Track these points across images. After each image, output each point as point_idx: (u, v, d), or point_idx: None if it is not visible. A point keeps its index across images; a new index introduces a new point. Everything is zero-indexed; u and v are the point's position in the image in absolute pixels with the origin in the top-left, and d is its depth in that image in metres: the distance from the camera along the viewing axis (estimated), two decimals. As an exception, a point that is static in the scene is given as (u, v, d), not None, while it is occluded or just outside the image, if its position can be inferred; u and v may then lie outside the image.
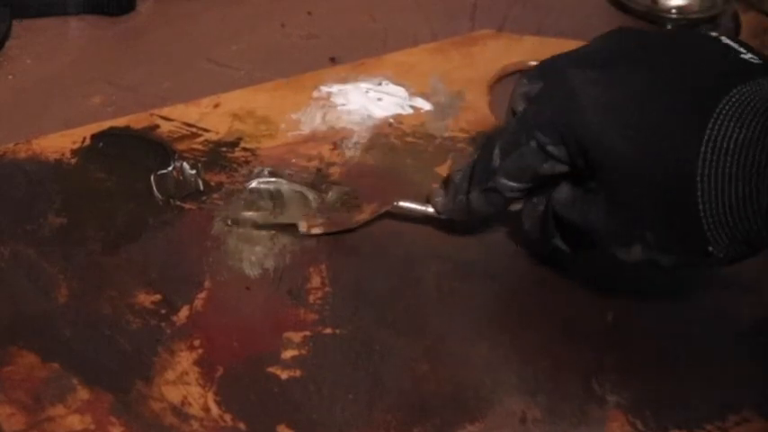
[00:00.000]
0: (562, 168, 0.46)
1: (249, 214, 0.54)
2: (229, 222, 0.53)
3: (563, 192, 0.47)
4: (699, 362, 0.48)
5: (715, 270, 0.49)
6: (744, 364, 0.48)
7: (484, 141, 0.51)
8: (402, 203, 0.53)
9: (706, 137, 0.40)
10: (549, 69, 0.48)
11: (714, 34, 0.46)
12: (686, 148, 0.41)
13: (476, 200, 0.50)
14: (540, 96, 0.47)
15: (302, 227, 0.53)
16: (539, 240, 0.50)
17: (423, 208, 0.53)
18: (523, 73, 0.50)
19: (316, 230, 0.53)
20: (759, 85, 0.41)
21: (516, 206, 0.51)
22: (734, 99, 0.41)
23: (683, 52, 0.45)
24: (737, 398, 0.46)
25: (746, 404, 0.46)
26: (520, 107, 0.49)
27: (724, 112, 0.41)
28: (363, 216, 0.53)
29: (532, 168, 0.47)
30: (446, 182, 0.52)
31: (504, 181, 0.48)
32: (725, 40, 0.45)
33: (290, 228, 0.53)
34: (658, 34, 0.48)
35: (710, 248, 0.42)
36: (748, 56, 0.43)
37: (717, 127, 0.40)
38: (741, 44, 0.44)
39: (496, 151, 0.48)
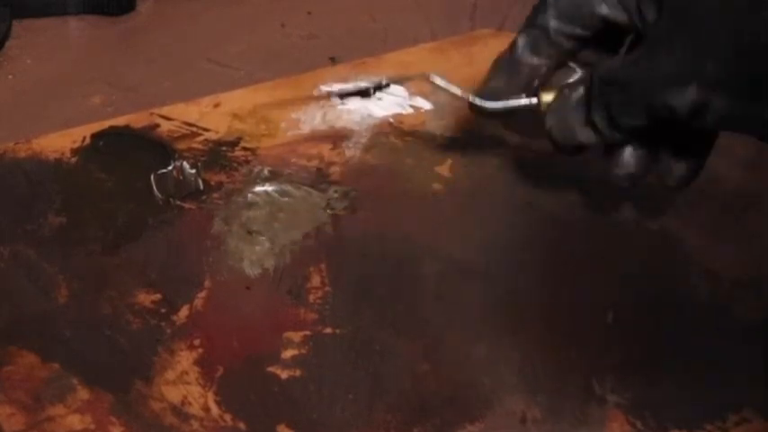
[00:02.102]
0: (618, 15, 0.44)
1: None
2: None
3: (607, 59, 0.44)
4: (699, 362, 0.48)
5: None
6: (744, 364, 0.48)
7: None
8: (437, 78, 0.49)
9: None
10: None
11: None
12: None
13: (521, 44, 0.47)
14: None
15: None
16: (570, 141, 0.46)
17: (455, 89, 0.49)
18: None
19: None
20: None
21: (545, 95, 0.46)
22: None
23: None
24: (737, 398, 0.46)
25: (746, 404, 0.46)
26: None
27: None
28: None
29: (589, 8, 0.44)
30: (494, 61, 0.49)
31: (553, 19, 0.45)
32: None
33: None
34: None
35: None
36: None
37: None
38: None
39: None
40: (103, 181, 0.56)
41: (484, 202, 0.55)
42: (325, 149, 0.59)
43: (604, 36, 0.46)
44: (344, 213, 0.55)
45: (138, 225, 0.54)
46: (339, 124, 0.61)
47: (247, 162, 0.58)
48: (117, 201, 0.55)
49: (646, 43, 0.42)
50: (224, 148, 0.58)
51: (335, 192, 0.56)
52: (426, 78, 0.50)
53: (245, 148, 0.58)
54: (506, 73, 0.48)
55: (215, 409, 0.45)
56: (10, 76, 0.65)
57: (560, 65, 0.47)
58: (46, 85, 0.64)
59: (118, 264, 0.52)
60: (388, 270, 0.52)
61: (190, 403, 0.45)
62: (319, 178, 0.57)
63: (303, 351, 0.48)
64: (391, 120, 0.61)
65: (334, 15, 0.71)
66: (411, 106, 0.62)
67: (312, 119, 0.61)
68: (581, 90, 0.44)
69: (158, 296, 0.50)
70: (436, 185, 0.56)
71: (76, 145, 0.58)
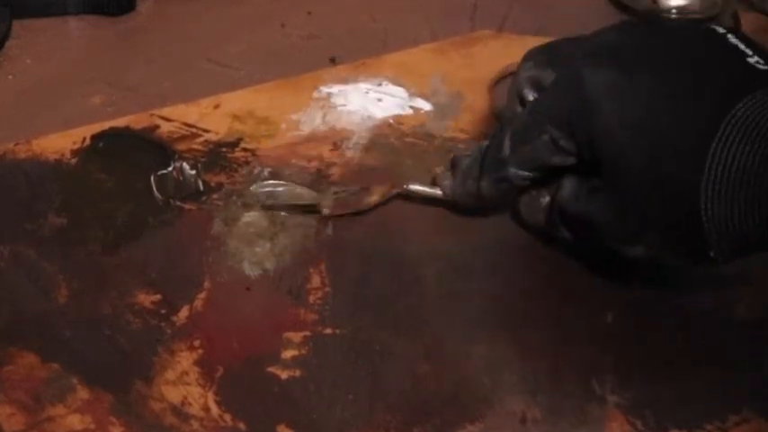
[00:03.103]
0: (571, 161, 0.47)
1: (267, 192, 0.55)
2: (241, 204, 0.54)
3: (567, 188, 0.48)
4: (699, 362, 0.48)
5: (715, 267, 0.49)
6: (744, 364, 0.48)
7: (494, 131, 0.51)
8: (412, 186, 0.54)
9: (711, 151, 0.41)
10: (559, 58, 0.49)
11: (721, 30, 0.46)
12: (692, 159, 0.42)
13: (486, 188, 0.51)
14: (553, 90, 0.48)
15: (323, 207, 0.54)
16: (540, 230, 0.51)
17: (432, 191, 0.54)
18: (528, 54, 0.51)
19: (326, 212, 0.54)
20: (764, 96, 0.42)
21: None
22: (739, 114, 0.41)
23: (693, 53, 0.45)
24: (737, 398, 0.46)
25: (746, 404, 0.46)
26: (527, 93, 0.50)
27: (728, 129, 0.41)
28: (374, 198, 0.54)
29: (542, 160, 0.48)
30: (453, 165, 0.53)
31: (515, 170, 0.49)
32: (732, 39, 0.45)
33: (302, 210, 0.54)
34: (666, 30, 0.48)
35: (712, 253, 0.43)
36: (754, 59, 0.44)
37: (721, 145, 0.41)
38: (747, 42, 0.45)
39: (507, 142, 0.49)
40: (103, 181, 0.56)
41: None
42: (325, 150, 0.59)
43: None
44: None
45: (138, 225, 0.54)
46: (339, 125, 0.61)
47: (247, 163, 0.58)
48: (117, 201, 0.55)
49: (600, 195, 0.46)
50: (224, 149, 0.58)
51: (335, 192, 0.56)
52: (404, 189, 0.55)
53: (245, 149, 0.58)
54: (473, 200, 0.53)
55: (215, 410, 0.45)
56: (10, 76, 0.65)
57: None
58: (46, 85, 0.64)
59: (118, 264, 0.52)
60: (388, 270, 0.52)
61: (190, 403, 0.45)
62: (319, 179, 0.57)
63: (303, 351, 0.48)
64: (391, 121, 0.61)
65: (334, 15, 0.71)
66: (411, 107, 0.62)
67: (312, 120, 0.61)
68: (547, 200, 0.50)
69: (158, 296, 0.50)
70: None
71: (76, 146, 0.58)
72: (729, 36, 0.45)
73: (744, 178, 0.41)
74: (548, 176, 0.49)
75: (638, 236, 0.45)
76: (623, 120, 0.44)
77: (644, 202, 0.44)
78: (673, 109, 0.43)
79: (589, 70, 0.46)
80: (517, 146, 0.48)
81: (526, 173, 0.49)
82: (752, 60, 0.44)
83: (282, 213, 0.54)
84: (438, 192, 0.54)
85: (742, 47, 0.45)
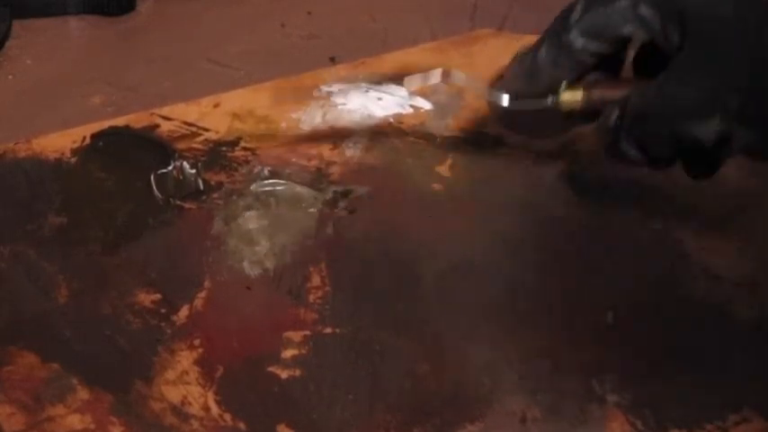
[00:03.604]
0: (642, 36, 0.45)
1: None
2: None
3: (638, 88, 0.45)
4: (698, 362, 0.48)
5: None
6: (744, 364, 0.48)
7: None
8: (459, 74, 0.51)
9: None
10: None
11: None
12: None
13: (543, 57, 0.47)
14: None
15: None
16: (611, 152, 0.47)
17: (476, 84, 0.51)
18: None
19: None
20: None
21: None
22: None
23: None
24: (737, 398, 0.46)
25: (746, 404, 0.46)
26: None
27: None
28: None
29: (613, 28, 0.45)
30: (514, 58, 0.50)
31: (578, 37, 0.46)
32: None
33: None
34: None
35: None
36: None
37: None
38: None
39: (581, 4, 0.46)
40: (103, 181, 0.56)
41: (484, 202, 0.55)
42: (325, 149, 0.59)
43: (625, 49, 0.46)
44: (344, 213, 0.55)
45: (138, 225, 0.54)
46: (339, 124, 0.61)
47: (247, 162, 0.58)
48: (117, 201, 0.55)
49: (669, 71, 0.43)
50: (224, 148, 0.58)
51: (335, 192, 0.56)
52: (447, 75, 0.51)
53: (245, 148, 0.58)
54: (526, 78, 0.48)
55: (215, 409, 0.45)
56: (10, 76, 0.65)
57: (580, 77, 0.47)
58: (46, 84, 0.64)
59: (118, 264, 0.52)
60: (387, 270, 0.52)
61: (190, 403, 0.45)
62: (319, 178, 0.57)
63: (303, 351, 0.48)
64: (391, 120, 0.61)
65: (334, 15, 0.71)
66: (411, 106, 0.62)
67: (312, 119, 0.61)
68: (617, 112, 0.45)
69: (158, 296, 0.50)
70: (436, 185, 0.56)
71: (76, 145, 0.58)
72: None
73: None
74: (606, 60, 0.46)
75: (718, 103, 0.42)
76: None
77: (731, 59, 0.41)
78: None
79: None
80: (591, 6, 0.45)
81: (589, 41, 0.45)
82: None
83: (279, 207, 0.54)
84: (482, 87, 0.50)
85: None
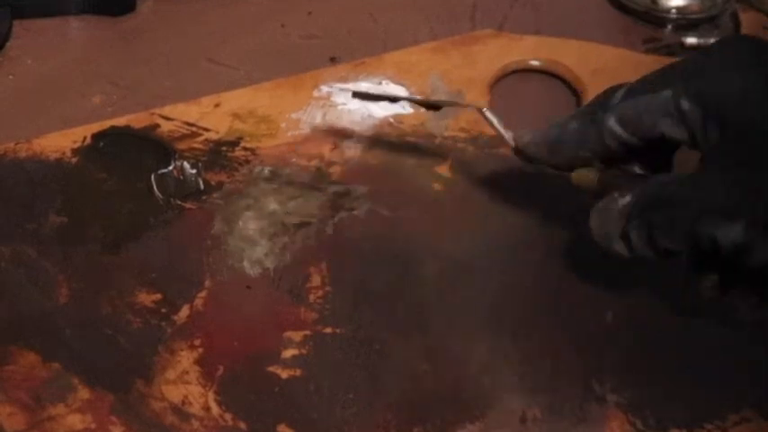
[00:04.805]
0: (678, 134, 0.43)
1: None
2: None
3: (663, 176, 0.45)
4: (699, 362, 0.48)
5: None
6: (744, 364, 0.48)
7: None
8: (489, 114, 0.51)
9: None
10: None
11: None
12: None
13: (571, 132, 0.47)
14: (693, 55, 0.45)
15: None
16: (603, 240, 0.46)
17: (503, 130, 0.51)
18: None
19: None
20: None
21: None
22: None
23: None
24: (737, 398, 0.46)
25: (746, 404, 0.46)
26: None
27: None
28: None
29: (651, 119, 0.44)
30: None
31: (613, 122, 0.45)
32: None
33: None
34: None
35: None
36: None
37: None
38: None
39: (621, 91, 0.45)
40: (104, 181, 0.56)
41: (484, 202, 0.55)
42: (326, 149, 0.59)
43: (654, 150, 0.46)
44: (344, 213, 0.55)
45: (138, 225, 0.54)
46: (339, 124, 0.61)
47: (248, 162, 0.58)
48: (117, 201, 0.55)
49: (702, 166, 0.42)
50: (224, 148, 0.58)
51: (335, 192, 0.56)
52: (478, 111, 0.52)
53: (245, 148, 0.58)
54: (548, 148, 0.48)
55: (215, 409, 0.45)
56: (10, 77, 0.65)
57: (600, 162, 0.47)
58: (46, 84, 0.64)
59: (118, 263, 0.52)
60: (387, 270, 0.52)
61: (190, 403, 0.45)
62: (319, 178, 0.57)
63: (303, 351, 0.48)
64: (391, 120, 0.61)
65: (334, 15, 0.71)
66: (411, 106, 0.62)
67: (312, 119, 0.61)
68: (627, 199, 0.44)
69: (159, 296, 0.50)
70: (436, 185, 0.56)
71: (77, 145, 0.58)
72: None
73: None
74: (635, 154, 0.46)
75: (745, 207, 0.40)
76: (757, 81, 0.41)
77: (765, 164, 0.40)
78: None
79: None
80: (634, 93, 0.45)
81: (623, 129, 0.44)
82: None
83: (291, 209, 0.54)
84: (508, 135, 0.50)
85: None
